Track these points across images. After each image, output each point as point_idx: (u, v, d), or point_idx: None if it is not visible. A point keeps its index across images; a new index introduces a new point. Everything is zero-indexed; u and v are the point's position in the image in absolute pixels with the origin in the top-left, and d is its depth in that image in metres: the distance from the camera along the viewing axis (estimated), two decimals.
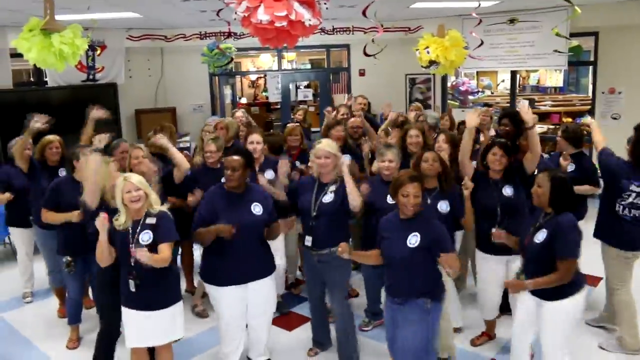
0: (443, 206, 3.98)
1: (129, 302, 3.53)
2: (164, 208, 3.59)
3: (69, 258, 4.42)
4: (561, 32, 6.11)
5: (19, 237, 5.49)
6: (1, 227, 5.99)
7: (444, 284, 3.50)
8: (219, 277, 3.84)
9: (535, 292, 3.47)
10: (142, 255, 3.26)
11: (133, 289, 3.46)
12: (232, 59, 7.51)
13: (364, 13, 4.07)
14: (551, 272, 3.31)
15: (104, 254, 3.45)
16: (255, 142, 4.78)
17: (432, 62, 5.43)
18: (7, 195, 5.07)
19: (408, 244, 3.31)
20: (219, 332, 4.07)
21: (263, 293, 3.93)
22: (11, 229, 5.55)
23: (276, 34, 2.88)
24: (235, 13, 2.88)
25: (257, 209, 3.83)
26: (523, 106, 4.03)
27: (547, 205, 3.42)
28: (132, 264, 3.41)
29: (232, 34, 7.45)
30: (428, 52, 5.30)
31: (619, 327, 4.34)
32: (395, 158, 4.20)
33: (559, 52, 7.67)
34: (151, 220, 3.48)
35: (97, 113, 5.17)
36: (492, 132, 5.68)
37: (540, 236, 3.38)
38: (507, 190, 4.12)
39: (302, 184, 4.23)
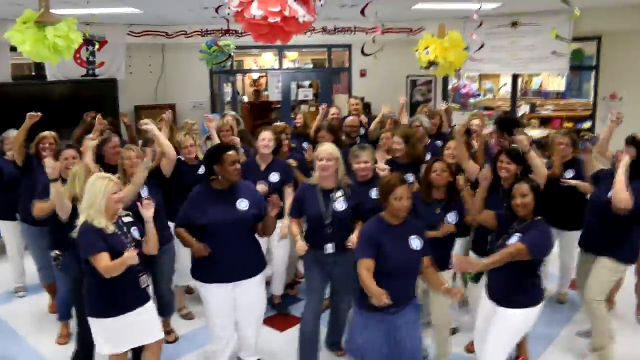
0: (450, 218, 3.94)
1: (136, 301, 3.40)
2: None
3: (57, 252, 4.29)
4: (563, 36, 6.07)
5: (8, 230, 5.43)
6: None
7: None
8: (206, 274, 3.80)
9: (493, 297, 3.51)
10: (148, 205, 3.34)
11: (148, 283, 3.46)
12: (231, 56, 7.46)
13: (362, 12, 4.02)
14: (515, 273, 3.37)
15: (120, 270, 3.23)
16: (267, 139, 4.74)
17: (431, 63, 5.39)
18: None
19: (412, 248, 3.32)
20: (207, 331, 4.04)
21: (251, 292, 3.87)
22: (0, 223, 5.47)
23: (269, 29, 2.84)
24: (229, 8, 2.84)
25: (242, 204, 3.75)
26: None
27: (531, 214, 3.45)
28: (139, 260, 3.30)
29: (232, 32, 7.42)
30: (427, 53, 5.26)
31: (597, 337, 4.26)
32: (369, 158, 4.20)
33: (558, 53, 7.60)
34: (129, 218, 3.48)
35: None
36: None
37: (513, 240, 3.37)
38: None
39: (303, 193, 4.07)
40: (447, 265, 3.94)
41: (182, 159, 4.79)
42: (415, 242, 3.34)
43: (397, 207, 3.28)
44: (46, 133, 5.04)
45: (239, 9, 2.78)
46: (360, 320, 3.41)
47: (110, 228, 3.30)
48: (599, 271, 4.22)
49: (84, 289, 3.43)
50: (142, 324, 3.45)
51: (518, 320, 3.45)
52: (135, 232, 3.47)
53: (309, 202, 3.97)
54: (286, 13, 2.74)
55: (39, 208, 4.19)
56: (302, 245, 3.90)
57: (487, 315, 3.57)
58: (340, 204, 3.92)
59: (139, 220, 3.54)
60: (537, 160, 4.16)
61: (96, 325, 3.38)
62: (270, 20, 2.74)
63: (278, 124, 5.76)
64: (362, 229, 3.46)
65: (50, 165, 3.87)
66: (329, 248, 3.92)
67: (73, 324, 4.71)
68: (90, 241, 3.22)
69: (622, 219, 4.04)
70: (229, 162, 3.70)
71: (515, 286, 3.41)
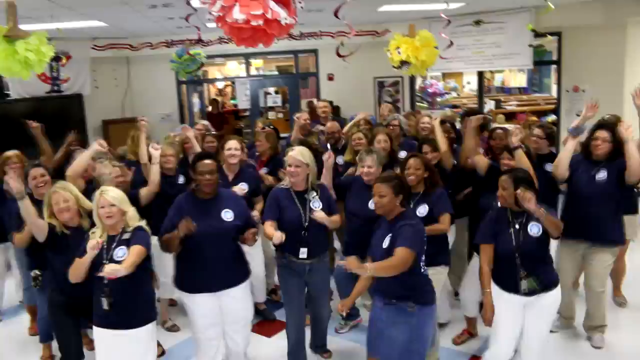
0: (421, 210, 3.94)
1: (102, 320, 3.36)
2: (143, 224, 3.47)
3: (37, 272, 4.18)
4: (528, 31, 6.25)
5: None
6: None
7: (430, 288, 3.40)
8: (190, 285, 3.73)
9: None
10: (111, 271, 3.06)
11: (106, 307, 3.29)
12: (202, 65, 7.42)
13: (335, 14, 4.05)
14: (545, 262, 3.52)
15: (81, 271, 3.26)
16: (234, 149, 4.64)
17: (403, 63, 5.44)
18: None
19: (382, 245, 3.31)
20: (194, 342, 3.97)
21: (237, 301, 3.81)
22: None
23: (252, 33, 2.84)
24: (210, 13, 2.83)
25: (227, 215, 3.70)
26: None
27: (515, 205, 3.50)
28: (106, 281, 3.23)
29: (199, 41, 7.38)
30: (399, 52, 5.31)
31: (598, 318, 4.39)
32: (374, 163, 4.09)
33: (533, 45, 7.78)
34: (127, 236, 3.36)
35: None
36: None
37: (536, 229, 3.45)
38: None
39: (278, 196, 3.95)
40: (440, 261, 3.95)
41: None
42: (386, 242, 3.30)
43: (375, 204, 3.37)
44: (10, 153, 4.77)
45: (221, 14, 2.77)
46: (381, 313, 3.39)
47: (99, 239, 3.26)
48: (605, 264, 4.29)
49: None
50: (126, 345, 3.39)
51: (557, 298, 3.54)
52: (119, 251, 3.32)
53: (286, 204, 3.87)
54: (268, 16, 2.74)
55: (19, 239, 4.03)
56: (279, 236, 3.65)
57: (515, 304, 3.54)
58: (317, 203, 3.88)
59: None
60: (524, 161, 4.03)
61: (95, 331, 3.45)
62: (253, 23, 2.74)
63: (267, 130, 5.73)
64: None
65: (12, 184, 3.52)
66: (303, 253, 3.85)
67: (55, 345, 4.60)
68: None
69: (612, 203, 4.13)
70: (199, 172, 3.66)
71: (550, 265, 3.57)
